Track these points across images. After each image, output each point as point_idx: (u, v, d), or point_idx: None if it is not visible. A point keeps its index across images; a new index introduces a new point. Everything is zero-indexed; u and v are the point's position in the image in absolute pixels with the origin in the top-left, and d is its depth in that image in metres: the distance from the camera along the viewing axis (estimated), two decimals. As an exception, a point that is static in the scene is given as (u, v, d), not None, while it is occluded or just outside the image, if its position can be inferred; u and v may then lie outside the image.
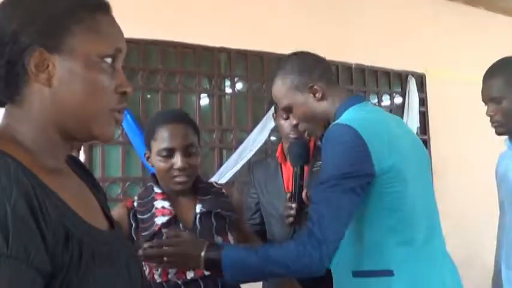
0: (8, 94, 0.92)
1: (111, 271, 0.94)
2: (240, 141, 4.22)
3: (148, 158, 1.95)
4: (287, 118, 2.57)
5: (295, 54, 1.95)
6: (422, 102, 5.29)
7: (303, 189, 1.95)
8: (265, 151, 4.35)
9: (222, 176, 4.00)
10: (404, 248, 1.67)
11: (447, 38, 5.46)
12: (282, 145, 2.70)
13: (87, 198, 1.06)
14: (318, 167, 2.36)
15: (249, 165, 3.01)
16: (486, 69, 2.27)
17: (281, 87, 1.88)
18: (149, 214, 1.87)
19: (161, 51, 4.02)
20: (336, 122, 1.71)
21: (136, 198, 1.96)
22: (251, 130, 4.26)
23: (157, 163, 1.88)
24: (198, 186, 1.96)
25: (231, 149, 4.19)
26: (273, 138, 4.41)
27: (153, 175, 1.98)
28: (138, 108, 3.87)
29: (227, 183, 1.85)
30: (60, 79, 0.92)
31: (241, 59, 4.38)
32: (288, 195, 1.96)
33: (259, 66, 4.44)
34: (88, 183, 1.11)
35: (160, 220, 1.83)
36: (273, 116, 2.76)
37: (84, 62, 0.94)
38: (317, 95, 1.83)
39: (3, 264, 0.72)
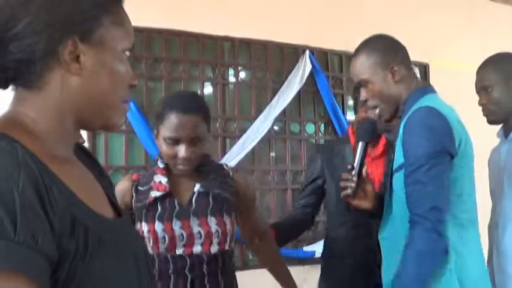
0: (31, 79, 0.92)
1: (117, 259, 0.94)
2: (243, 130, 4.21)
3: (156, 137, 1.95)
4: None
5: (381, 35, 2.06)
6: (426, 92, 5.25)
7: (363, 165, 2.01)
8: (269, 140, 4.36)
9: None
10: (458, 229, 1.77)
11: (450, 27, 5.43)
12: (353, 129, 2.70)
13: (93, 186, 1.06)
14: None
15: (316, 148, 2.99)
16: None
17: (364, 62, 1.97)
18: (147, 187, 1.92)
19: (165, 39, 4.01)
20: (426, 105, 1.80)
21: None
22: (254, 119, 4.25)
23: (163, 147, 1.89)
24: (204, 167, 1.98)
25: (234, 138, 4.19)
26: (276, 127, 4.43)
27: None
28: (141, 96, 3.86)
29: (239, 173, 1.88)
30: (89, 69, 0.94)
31: (245, 48, 4.37)
32: (349, 167, 1.98)
33: (262, 55, 4.43)
34: (94, 172, 1.11)
35: (154, 194, 1.88)
36: (357, 103, 2.73)
37: (112, 54, 0.98)
38: (396, 76, 1.93)
39: (11, 250, 0.72)
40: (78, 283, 0.84)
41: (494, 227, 2.30)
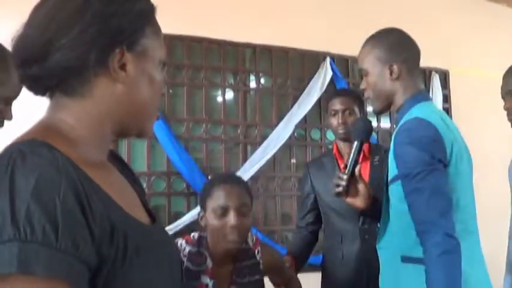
0: (74, 87, 0.93)
1: (153, 265, 0.94)
2: (264, 137, 4.22)
3: (202, 218, 2.03)
4: (334, 114, 2.62)
5: (395, 30, 2.05)
6: (446, 99, 5.22)
7: (357, 164, 2.04)
8: (290, 147, 4.36)
9: (247, 171, 4.02)
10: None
11: (471, 34, 5.40)
12: (336, 144, 2.73)
13: (128, 192, 1.06)
14: (377, 161, 2.57)
15: (306, 165, 3.00)
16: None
17: (368, 52, 2.00)
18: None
19: (187, 46, 4.04)
20: (416, 116, 1.81)
21: (186, 254, 1.99)
22: (276, 125, 4.26)
23: (212, 221, 1.94)
24: (237, 258, 2.02)
25: (256, 145, 4.20)
26: (296, 134, 4.43)
27: (204, 237, 2.01)
28: (163, 103, 3.89)
29: (264, 244, 1.93)
30: (133, 78, 0.97)
31: (266, 54, 4.38)
32: (342, 166, 2.01)
33: (283, 61, 4.45)
34: (128, 177, 1.12)
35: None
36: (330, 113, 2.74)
37: (152, 64, 1.01)
38: (393, 74, 1.93)
39: (53, 257, 0.73)
40: None
41: None
